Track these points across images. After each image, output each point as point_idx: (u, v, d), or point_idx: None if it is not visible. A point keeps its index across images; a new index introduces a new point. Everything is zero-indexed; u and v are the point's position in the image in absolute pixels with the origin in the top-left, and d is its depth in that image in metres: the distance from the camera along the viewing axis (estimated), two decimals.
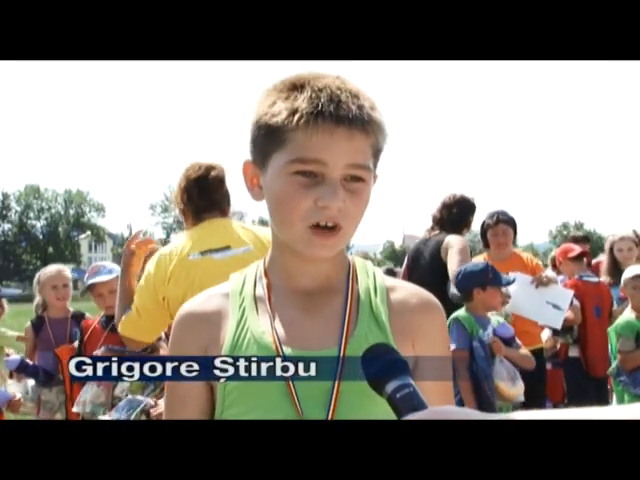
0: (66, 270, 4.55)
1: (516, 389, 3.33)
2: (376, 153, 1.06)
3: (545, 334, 4.86)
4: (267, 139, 1.02)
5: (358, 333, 1.06)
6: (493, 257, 4.54)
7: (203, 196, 2.83)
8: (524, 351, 3.58)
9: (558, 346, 5.09)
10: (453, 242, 4.04)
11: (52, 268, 4.48)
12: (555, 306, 4.23)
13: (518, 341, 3.57)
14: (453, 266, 3.89)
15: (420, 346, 1.09)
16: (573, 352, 4.94)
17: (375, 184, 1.12)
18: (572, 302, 4.73)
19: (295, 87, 1.02)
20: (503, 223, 4.58)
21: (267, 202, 1.07)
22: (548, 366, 4.91)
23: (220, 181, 2.87)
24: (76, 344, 3.90)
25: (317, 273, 1.10)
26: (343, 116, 0.98)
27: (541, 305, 4.22)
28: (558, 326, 4.42)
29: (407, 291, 1.14)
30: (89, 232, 72.49)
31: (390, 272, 7.01)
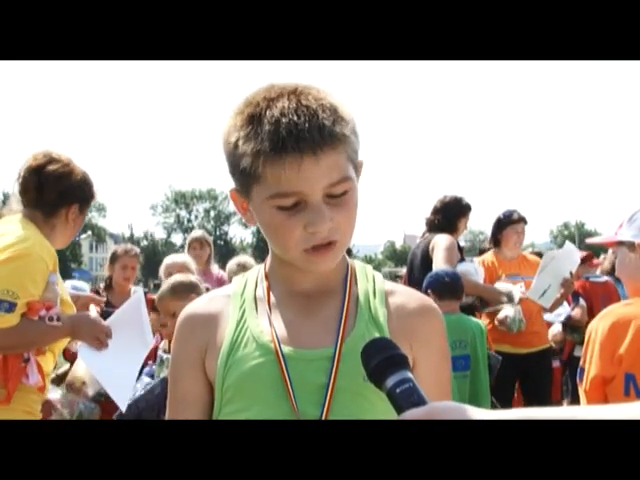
0: None
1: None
2: (352, 156, 1.04)
3: (556, 328, 4.94)
4: (242, 176, 1.03)
5: (355, 334, 1.07)
6: (503, 256, 4.50)
7: (41, 191, 2.38)
8: None
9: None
10: (439, 240, 4.17)
11: None
12: (552, 289, 4.22)
13: None
14: (438, 263, 4.01)
15: (418, 349, 1.10)
16: (579, 352, 4.90)
17: (361, 172, 1.10)
18: (579, 301, 4.80)
19: (252, 119, 1.00)
20: (523, 222, 4.54)
21: (260, 226, 1.08)
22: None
23: (56, 179, 2.41)
24: None
25: (315, 277, 1.11)
26: (306, 146, 0.96)
27: (547, 278, 4.20)
28: (534, 298, 4.28)
29: (406, 295, 1.15)
30: (90, 232, 72.39)
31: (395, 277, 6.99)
